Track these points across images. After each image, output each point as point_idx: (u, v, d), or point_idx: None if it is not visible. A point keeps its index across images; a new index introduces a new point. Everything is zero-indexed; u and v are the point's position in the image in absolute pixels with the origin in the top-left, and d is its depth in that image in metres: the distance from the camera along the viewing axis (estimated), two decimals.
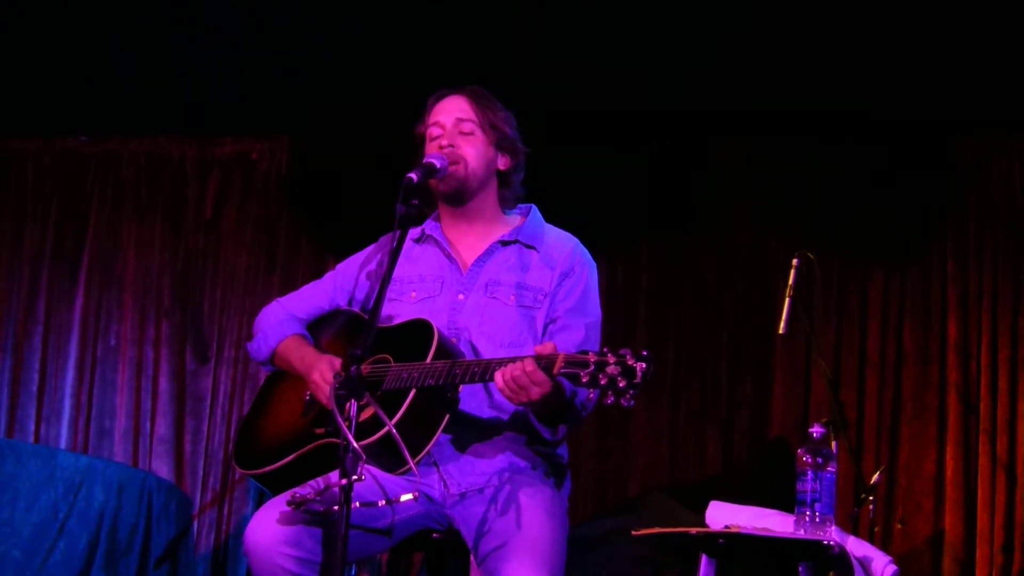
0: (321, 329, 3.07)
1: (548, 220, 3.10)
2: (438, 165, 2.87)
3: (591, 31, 4.99)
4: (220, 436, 6.00)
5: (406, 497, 2.63)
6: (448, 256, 3.00)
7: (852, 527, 4.39)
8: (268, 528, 2.57)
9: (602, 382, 2.42)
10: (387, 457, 2.66)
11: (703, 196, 5.73)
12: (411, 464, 2.56)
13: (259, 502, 5.71)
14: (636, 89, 5.38)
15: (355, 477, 2.37)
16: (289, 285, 5.73)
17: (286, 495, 2.58)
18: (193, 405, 6.06)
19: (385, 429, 2.55)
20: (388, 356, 2.77)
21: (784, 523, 3.58)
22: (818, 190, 5.61)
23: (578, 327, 2.91)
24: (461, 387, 2.71)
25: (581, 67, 5.21)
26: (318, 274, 3.24)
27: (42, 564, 4.71)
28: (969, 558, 5.14)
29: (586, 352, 2.47)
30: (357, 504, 2.46)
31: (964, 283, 5.39)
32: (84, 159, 6.36)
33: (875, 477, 4.14)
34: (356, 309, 3.07)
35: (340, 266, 3.15)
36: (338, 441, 2.42)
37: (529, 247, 3.00)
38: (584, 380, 2.45)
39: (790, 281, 4.08)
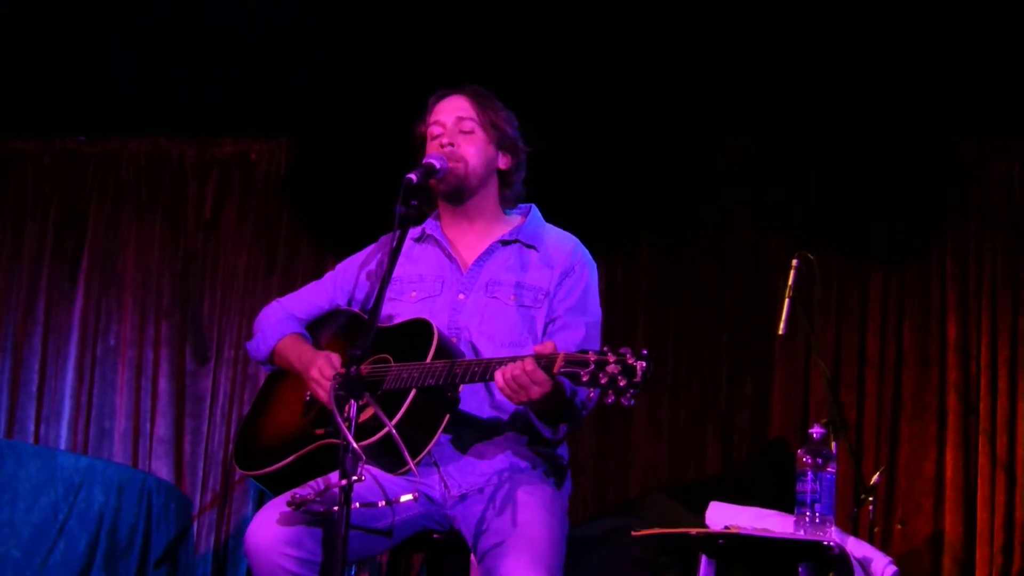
0: (321, 329, 3.07)
1: (548, 220, 3.10)
2: (437, 166, 2.87)
3: (591, 32, 4.99)
4: (220, 437, 6.00)
5: (406, 497, 2.62)
6: (448, 256, 3.00)
7: (852, 528, 4.39)
8: (269, 529, 2.57)
9: (602, 381, 2.42)
10: (387, 457, 2.66)
11: (703, 196, 5.73)
12: (411, 465, 2.56)
13: (259, 503, 5.71)
14: (636, 89, 5.38)
15: (355, 478, 2.36)
16: (289, 285, 5.72)
17: (286, 496, 2.58)
18: (193, 406, 6.06)
19: (385, 429, 2.55)
20: (388, 356, 2.77)
21: (784, 524, 3.58)
22: (818, 190, 5.62)
23: (578, 326, 2.90)
24: (461, 387, 2.71)
25: (581, 67, 5.21)
26: (318, 274, 3.24)
27: (42, 564, 4.71)
28: (969, 558, 5.14)
29: (586, 351, 2.47)
30: (357, 505, 2.46)
31: (964, 283, 5.40)
32: (83, 159, 6.36)
33: (875, 478, 4.14)
34: (356, 309, 3.06)
35: (340, 266, 3.15)
36: (338, 442, 2.42)
37: (529, 247, 3.00)
38: (584, 379, 2.45)
39: (790, 282, 4.08)
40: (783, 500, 3.74)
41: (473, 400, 2.83)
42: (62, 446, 6.03)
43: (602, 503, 5.54)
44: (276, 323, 3.06)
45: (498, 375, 2.57)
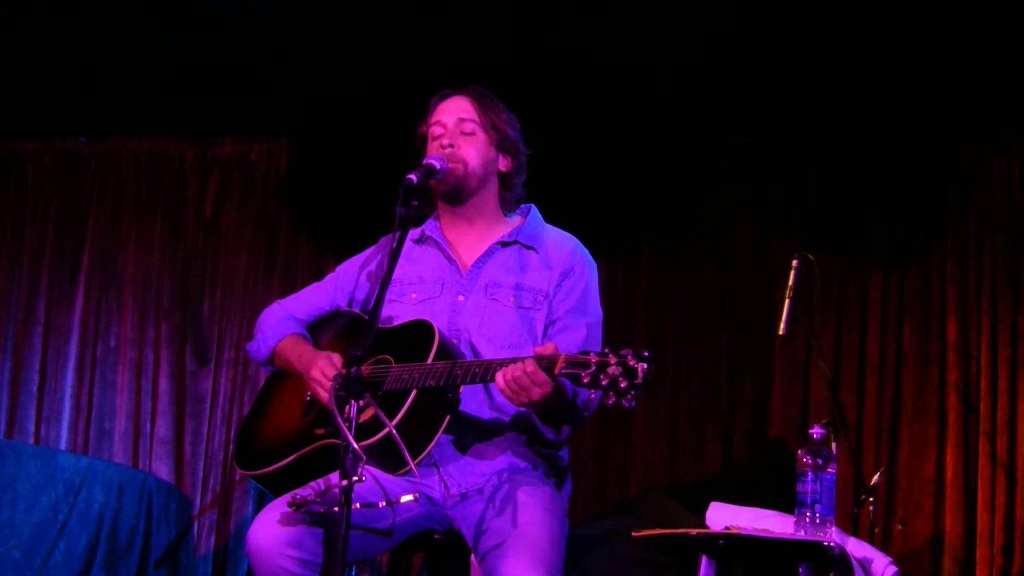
0: (322, 330, 3.07)
1: (548, 221, 3.09)
2: (438, 166, 2.87)
3: (591, 32, 4.99)
4: (220, 437, 6.00)
5: (407, 498, 2.63)
6: (448, 257, 3.00)
7: (852, 528, 4.40)
8: (270, 530, 2.57)
9: (603, 383, 2.42)
10: (388, 458, 2.66)
11: (703, 196, 5.73)
12: (411, 465, 2.56)
13: (259, 503, 5.72)
14: (636, 89, 5.38)
15: (355, 478, 2.36)
16: (289, 286, 5.74)
17: (287, 496, 2.58)
18: (193, 406, 6.06)
19: (386, 430, 2.55)
20: (389, 357, 2.77)
21: (784, 524, 3.58)
22: (818, 190, 5.62)
23: (579, 327, 2.90)
24: (462, 388, 2.71)
25: (581, 67, 5.21)
26: (318, 275, 3.24)
27: (42, 565, 4.71)
28: (969, 559, 5.14)
29: (587, 353, 2.47)
30: (358, 505, 2.46)
31: (964, 283, 5.40)
32: (84, 159, 6.36)
33: (875, 478, 4.14)
34: (356, 310, 3.06)
35: (340, 268, 3.15)
36: (338, 442, 2.42)
37: (528, 248, 2.99)
38: (585, 381, 2.45)
39: (790, 282, 4.08)
40: (783, 500, 3.74)
41: (473, 401, 2.83)
42: (62, 446, 6.03)
43: (602, 503, 5.54)
44: (277, 324, 3.06)
45: (499, 376, 2.57)
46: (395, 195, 2.69)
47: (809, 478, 3.40)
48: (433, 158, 2.89)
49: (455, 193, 2.96)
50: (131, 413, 6.07)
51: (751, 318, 5.58)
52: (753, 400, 5.55)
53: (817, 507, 3.38)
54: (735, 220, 5.69)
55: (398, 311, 2.94)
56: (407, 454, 2.52)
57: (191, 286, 6.18)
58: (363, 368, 2.47)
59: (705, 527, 3.84)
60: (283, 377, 3.03)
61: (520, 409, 2.79)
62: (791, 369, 5.50)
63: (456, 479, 2.82)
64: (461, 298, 2.93)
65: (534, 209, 3.09)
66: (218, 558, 5.83)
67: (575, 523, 2.98)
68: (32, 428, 6.11)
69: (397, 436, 2.52)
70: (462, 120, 2.97)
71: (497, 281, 2.94)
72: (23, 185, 6.37)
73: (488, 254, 2.98)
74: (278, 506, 2.60)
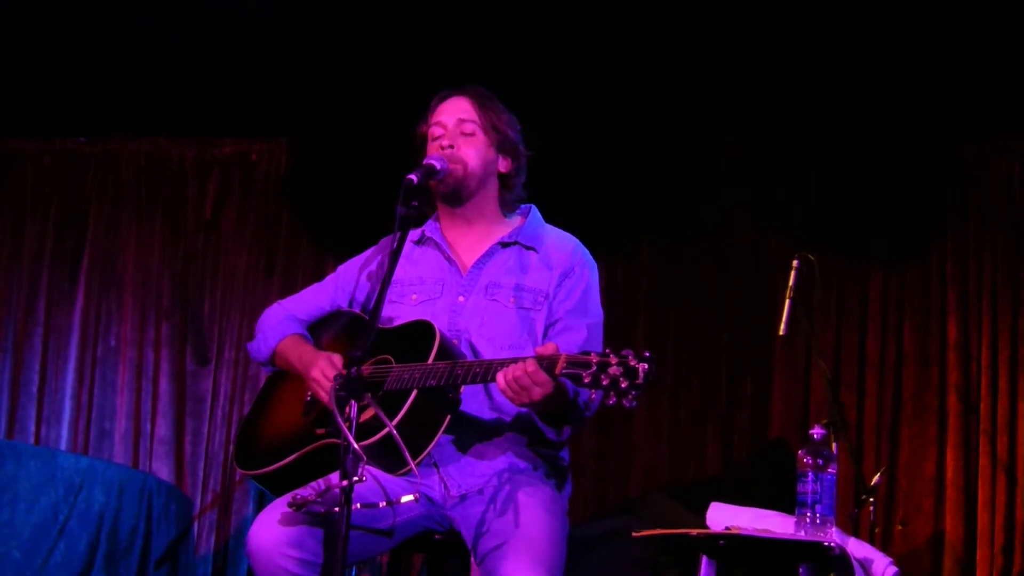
0: (322, 330, 3.07)
1: (548, 220, 3.09)
2: (438, 167, 2.87)
3: (591, 32, 4.99)
4: (220, 438, 6.00)
5: (407, 498, 2.63)
6: (448, 258, 3.00)
7: (853, 528, 4.39)
8: (271, 530, 2.57)
9: (604, 383, 2.42)
10: (388, 458, 2.66)
11: (703, 196, 5.73)
12: (412, 465, 2.56)
13: (259, 504, 5.72)
14: (636, 89, 5.38)
15: (356, 478, 2.36)
16: (289, 286, 5.74)
17: (288, 497, 2.58)
18: (193, 406, 6.06)
19: (386, 430, 2.55)
20: (390, 357, 2.77)
21: (785, 524, 3.58)
22: (818, 190, 5.62)
23: (580, 328, 2.90)
24: (462, 388, 2.71)
25: (581, 67, 5.21)
26: (318, 275, 3.24)
27: (42, 565, 4.71)
28: (969, 559, 5.14)
29: (588, 353, 2.47)
30: (358, 505, 2.46)
31: (964, 283, 5.40)
32: (84, 159, 6.35)
33: (876, 478, 4.14)
34: (357, 310, 3.06)
35: (341, 268, 3.15)
36: (338, 441, 2.42)
37: (529, 248, 2.99)
38: (586, 381, 2.45)
39: (790, 282, 4.08)
40: (783, 501, 3.74)
41: (474, 402, 2.83)
42: (63, 447, 6.03)
43: (602, 503, 5.54)
44: (277, 324, 3.06)
45: (500, 376, 2.57)
46: (395, 195, 2.70)
47: (809, 478, 3.39)
48: (434, 158, 2.89)
49: (455, 194, 2.96)
50: (131, 413, 6.07)
51: (751, 318, 5.57)
52: (753, 400, 5.55)
53: (817, 507, 3.38)
54: (735, 220, 5.68)
55: (398, 312, 2.94)
56: (407, 454, 2.52)
57: (191, 286, 6.18)
58: (364, 368, 2.48)
59: (705, 527, 3.84)
60: (283, 377, 3.03)
61: (521, 409, 2.79)
62: (791, 369, 5.50)
63: (456, 479, 2.82)
64: (461, 299, 2.93)
65: (534, 209, 3.09)
66: (218, 558, 5.83)
67: (575, 523, 2.98)
68: (32, 428, 6.11)
69: (397, 436, 2.52)
70: (462, 121, 2.97)
71: (497, 282, 2.94)
72: (23, 185, 6.37)
73: (488, 255, 2.98)
74: (278, 506, 2.60)
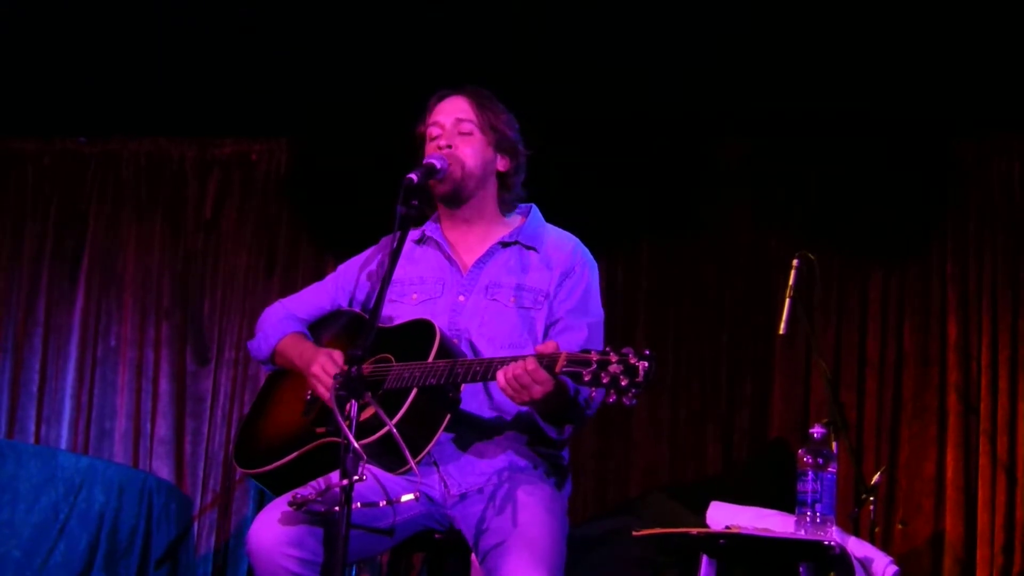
0: (323, 329, 3.07)
1: (548, 220, 3.09)
2: (438, 166, 2.87)
3: (591, 32, 4.99)
4: (220, 437, 6.00)
5: (407, 497, 2.62)
6: (448, 258, 3.00)
7: (853, 527, 4.39)
8: (271, 529, 2.57)
9: (604, 381, 2.42)
10: (388, 457, 2.66)
11: (703, 196, 5.73)
12: (412, 464, 2.56)
13: (259, 503, 5.72)
14: (636, 89, 5.38)
15: (356, 477, 2.36)
16: (289, 285, 5.74)
17: (288, 496, 2.58)
18: (193, 406, 6.06)
19: (386, 428, 2.55)
20: (390, 356, 2.77)
21: (785, 523, 3.58)
22: (818, 190, 5.62)
23: (580, 327, 2.90)
24: (462, 387, 2.71)
25: (581, 67, 5.21)
26: (318, 275, 3.24)
27: (42, 565, 4.71)
28: (969, 559, 5.14)
29: (588, 351, 2.47)
30: (358, 504, 2.46)
31: (964, 283, 5.40)
32: (84, 159, 6.36)
33: (876, 478, 4.14)
34: (357, 310, 3.07)
35: (341, 267, 3.15)
36: (338, 440, 2.42)
37: (529, 248, 2.99)
38: (586, 379, 2.45)
39: (790, 282, 4.08)
40: (784, 500, 3.75)
41: (474, 401, 2.83)
42: (63, 446, 6.03)
43: (602, 503, 5.54)
44: (278, 322, 3.06)
45: (500, 375, 2.57)
46: (395, 195, 2.70)
47: (810, 477, 3.40)
48: (434, 158, 2.89)
49: (454, 194, 2.96)
50: (131, 413, 6.07)
51: (751, 318, 5.58)
52: (753, 400, 5.55)
53: (818, 506, 3.38)
54: (735, 220, 5.68)
55: (399, 311, 2.95)
56: (407, 453, 2.52)
57: (191, 286, 6.18)
58: (364, 367, 2.47)
59: (705, 526, 3.84)
60: (284, 376, 3.04)
61: (521, 408, 2.79)
62: (791, 369, 5.50)
63: (456, 478, 2.82)
64: (462, 298, 2.93)
65: (535, 209, 3.09)
66: (218, 558, 5.83)
67: (575, 523, 2.98)
68: (32, 428, 6.11)
69: (397, 435, 2.52)
70: (460, 120, 2.97)
71: (498, 281, 2.94)
72: (23, 185, 6.37)
73: (489, 254, 2.98)
74: (279, 505, 2.60)
